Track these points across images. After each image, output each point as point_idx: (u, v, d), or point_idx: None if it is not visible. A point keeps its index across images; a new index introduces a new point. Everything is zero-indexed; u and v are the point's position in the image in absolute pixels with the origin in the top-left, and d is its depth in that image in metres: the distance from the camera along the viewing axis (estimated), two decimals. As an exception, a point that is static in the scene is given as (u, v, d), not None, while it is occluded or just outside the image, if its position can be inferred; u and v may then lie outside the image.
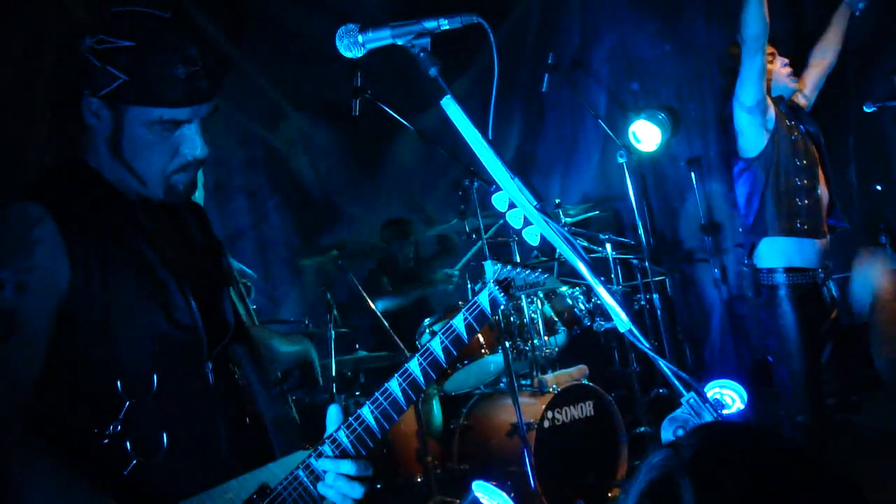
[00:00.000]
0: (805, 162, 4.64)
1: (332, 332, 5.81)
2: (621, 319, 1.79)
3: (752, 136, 4.64)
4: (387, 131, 7.74)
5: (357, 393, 5.81)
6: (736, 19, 4.45)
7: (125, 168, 2.03)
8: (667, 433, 1.74)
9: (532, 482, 4.88)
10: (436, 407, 5.89)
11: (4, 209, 1.91)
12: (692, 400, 1.73)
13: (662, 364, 1.76)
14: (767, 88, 4.64)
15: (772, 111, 4.64)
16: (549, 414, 5.34)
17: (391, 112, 5.05)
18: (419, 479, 5.43)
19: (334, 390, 5.66)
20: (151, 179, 2.05)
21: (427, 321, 5.89)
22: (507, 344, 5.31)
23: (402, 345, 5.51)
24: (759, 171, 4.63)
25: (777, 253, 4.60)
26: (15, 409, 1.83)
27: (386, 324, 5.58)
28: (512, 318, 5.71)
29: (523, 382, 5.75)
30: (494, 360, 5.82)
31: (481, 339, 5.66)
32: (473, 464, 5.57)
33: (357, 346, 6.45)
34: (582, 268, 1.81)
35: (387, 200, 8.32)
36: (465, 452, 5.66)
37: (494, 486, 4.95)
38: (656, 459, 1.20)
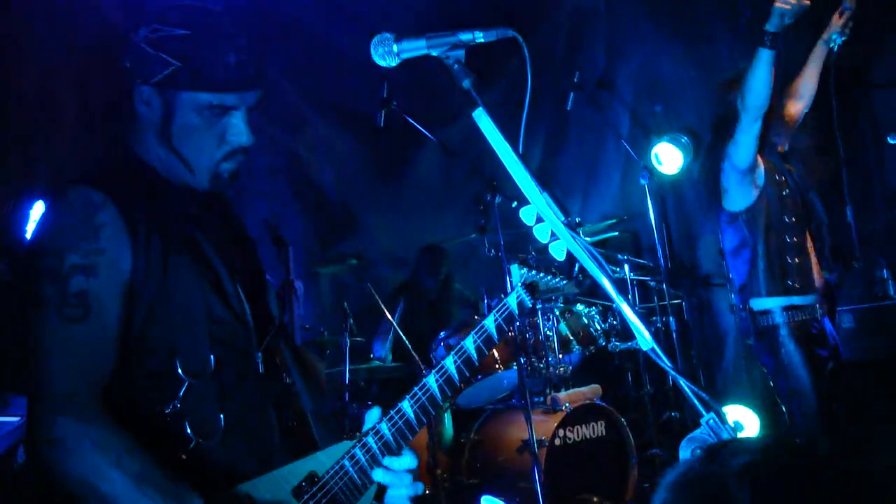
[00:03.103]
0: (794, 219, 4.56)
1: (348, 340, 5.83)
2: (644, 338, 1.79)
3: (740, 193, 4.57)
4: (410, 143, 7.77)
5: (369, 402, 5.81)
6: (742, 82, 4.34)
7: (174, 155, 2.10)
8: (685, 453, 1.74)
9: (540, 499, 4.87)
10: (447, 420, 5.89)
11: (66, 195, 1.96)
12: (712, 420, 1.73)
13: (683, 383, 1.76)
14: (759, 148, 4.56)
15: (761, 167, 4.57)
16: (561, 432, 5.33)
17: (416, 124, 5.07)
18: (428, 492, 5.41)
19: (347, 398, 5.67)
20: (199, 167, 2.12)
21: (442, 334, 5.89)
22: (522, 360, 5.30)
23: (416, 357, 5.52)
24: (747, 226, 4.56)
25: (757, 299, 4.53)
26: (92, 390, 1.88)
27: (402, 335, 5.60)
28: (527, 335, 5.70)
29: (536, 399, 5.73)
30: (508, 376, 5.82)
31: (496, 355, 5.66)
32: (483, 478, 5.55)
33: (371, 355, 6.47)
34: (607, 285, 1.81)
35: (406, 212, 8.34)
36: (474, 467, 5.64)
37: (503, 501, 4.94)
38: (698, 471, 1.17)
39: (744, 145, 4.43)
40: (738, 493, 1.12)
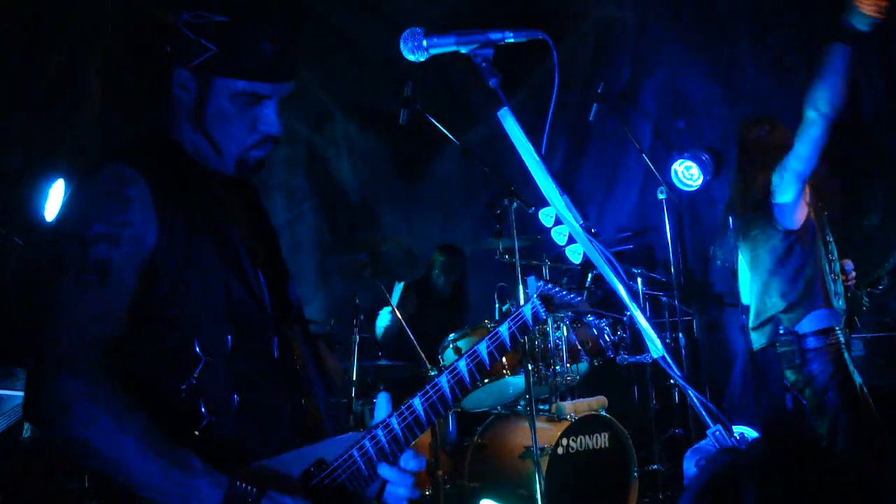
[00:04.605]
0: (831, 237, 4.64)
1: (357, 336, 5.84)
2: (655, 346, 1.79)
3: (796, 208, 4.55)
4: (430, 144, 7.78)
5: (374, 401, 5.79)
6: (812, 88, 4.24)
7: (205, 139, 2.14)
8: (689, 463, 1.75)
9: (540, 507, 4.87)
10: (451, 422, 5.89)
11: (100, 168, 2.02)
12: (718, 432, 1.73)
13: (692, 393, 1.76)
14: None
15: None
16: (564, 441, 5.32)
17: (438, 125, 5.08)
18: (428, 493, 5.41)
19: (353, 394, 5.68)
20: (228, 152, 2.15)
21: (451, 336, 5.89)
22: (530, 367, 5.29)
23: (423, 356, 5.52)
24: (806, 243, 4.56)
25: (808, 319, 4.55)
26: (96, 355, 1.90)
27: (411, 335, 5.60)
28: (536, 342, 5.70)
29: (541, 407, 5.73)
30: (514, 382, 5.81)
31: (504, 360, 5.65)
32: (483, 482, 5.54)
33: (380, 353, 6.47)
34: (622, 291, 1.82)
35: (424, 212, 8.35)
36: (476, 470, 5.63)
37: (503, 506, 4.94)
38: (720, 460, 1.20)
39: (813, 152, 4.36)
40: (745, 486, 1.13)
